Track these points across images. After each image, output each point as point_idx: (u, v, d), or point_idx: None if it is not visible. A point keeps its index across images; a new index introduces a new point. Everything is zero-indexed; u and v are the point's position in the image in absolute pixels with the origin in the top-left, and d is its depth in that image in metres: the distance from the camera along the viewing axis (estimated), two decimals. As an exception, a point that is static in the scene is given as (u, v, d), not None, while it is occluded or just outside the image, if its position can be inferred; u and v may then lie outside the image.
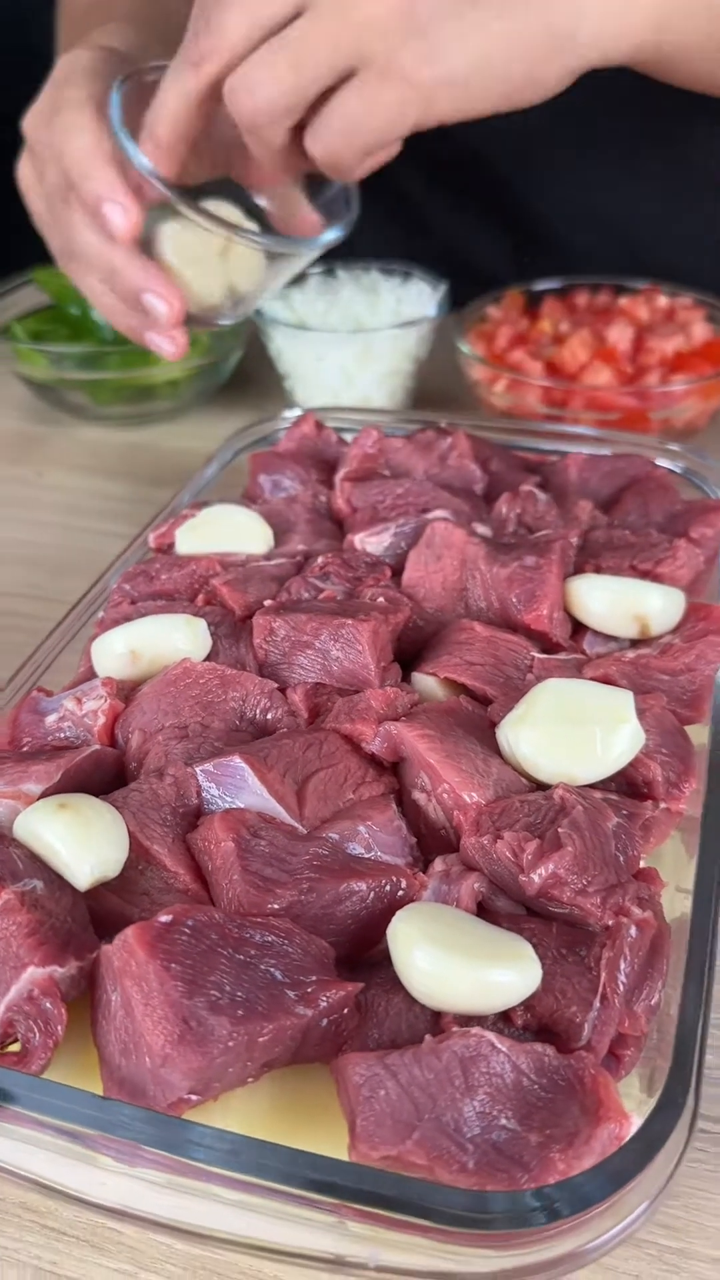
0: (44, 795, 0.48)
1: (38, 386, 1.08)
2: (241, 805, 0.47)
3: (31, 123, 0.81)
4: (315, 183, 0.83)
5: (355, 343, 0.95)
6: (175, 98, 0.71)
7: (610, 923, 0.43)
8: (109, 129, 0.74)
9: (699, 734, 0.55)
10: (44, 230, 0.84)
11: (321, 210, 0.84)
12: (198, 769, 0.48)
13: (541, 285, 1.05)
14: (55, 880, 0.44)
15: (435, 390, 1.06)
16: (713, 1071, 0.49)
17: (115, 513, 0.95)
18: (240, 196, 0.84)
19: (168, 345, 0.80)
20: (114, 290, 0.78)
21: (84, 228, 0.77)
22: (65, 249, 0.81)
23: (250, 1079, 0.40)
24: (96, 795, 0.48)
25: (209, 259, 0.79)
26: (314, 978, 0.41)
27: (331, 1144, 0.37)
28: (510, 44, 0.69)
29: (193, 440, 1.05)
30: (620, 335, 0.94)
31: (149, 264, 0.76)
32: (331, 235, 0.81)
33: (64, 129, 0.75)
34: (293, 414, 0.82)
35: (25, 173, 0.84)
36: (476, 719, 0.53)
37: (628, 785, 0.51)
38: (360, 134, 0.70)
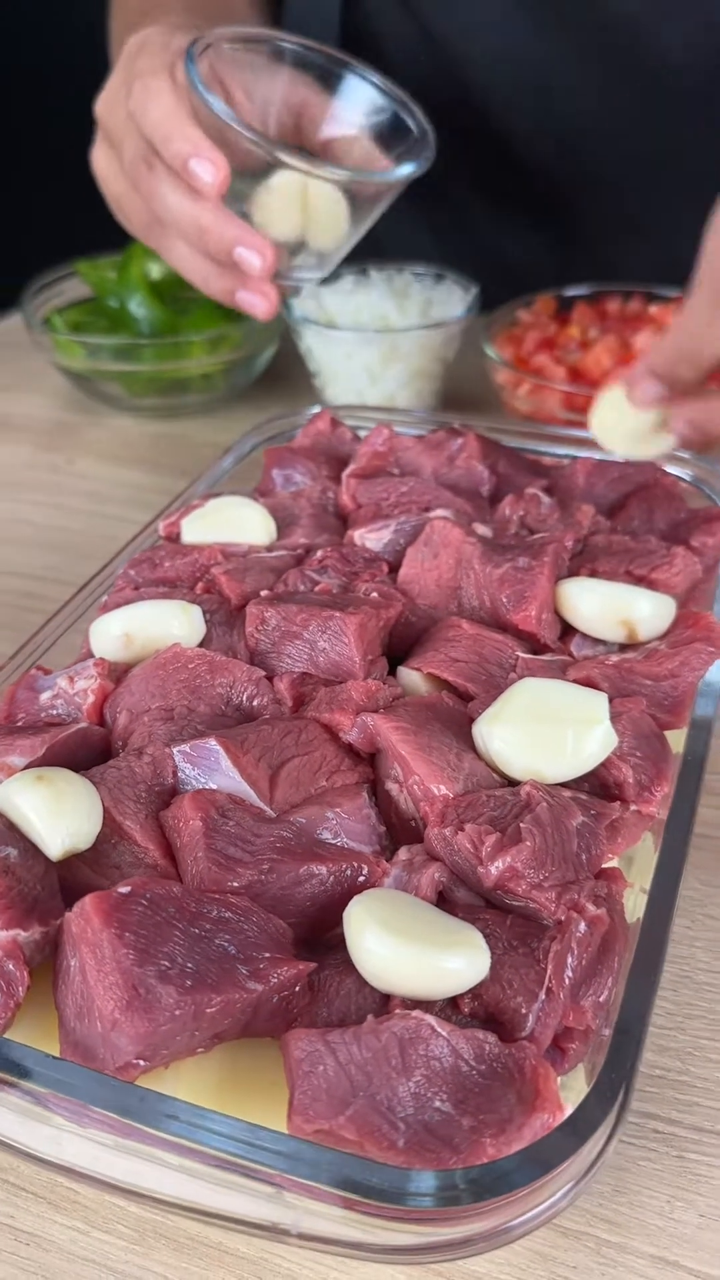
0: (28, 768, 0.50)
1: (75, 376, 1.10)
2: (214, 786, 0.49)
3: (105, 104, 0.83)
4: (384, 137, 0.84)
5: (381, 342, 0.97)
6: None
7: (563, 917, 0.44)
8: (187, 90, 0.75)
9: (679, 740, 0.55)
10: (123, 210, 0.85)
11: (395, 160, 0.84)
12: (175, 749, 0.50)
13: (573, 291, 1.05)
14: (30, 849, 0.46)
15: (463, 392, 1.06)
16: (670, 1074, 0.50)
17: (140, 501, 0.97)
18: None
19: (261, 302, 0.80)
20: (204, 249, 0.79)
21: (169, 191, 0.77)
22: (148, 220, 0.82)
23: (201, 1049, 0.42)
24: (82, 771, 0.50)
25: (291, 218, 0.80)
26: (267, 955, 0.42)
27: (277, 1117, 0.39)
28: None
29: (223, 434, 1.07)
30: (647, 343, 0.94)
31: (237, 218, 0.77)
32: (410, 168, 0.80)
33: (142, 96, 0.76)
34: (312, 410, 0.83)
35: (100, 156, 0.85)
36: (456, 715, 0.54)
37: (599, 786, 0.51)
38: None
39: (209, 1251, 0.44)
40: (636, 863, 0.51)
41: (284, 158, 0.74)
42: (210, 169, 0.74)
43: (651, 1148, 0.47)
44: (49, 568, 0.89)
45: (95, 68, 0.87)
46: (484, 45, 1.09)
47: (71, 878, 0.47)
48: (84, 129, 0.88)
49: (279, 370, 1.15)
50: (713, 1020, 0.52)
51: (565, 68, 1.06)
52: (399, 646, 0.61)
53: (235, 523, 0.67)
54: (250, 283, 0.79)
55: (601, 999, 0.43)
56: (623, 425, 0.67)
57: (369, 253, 1.08)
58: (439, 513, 0.66)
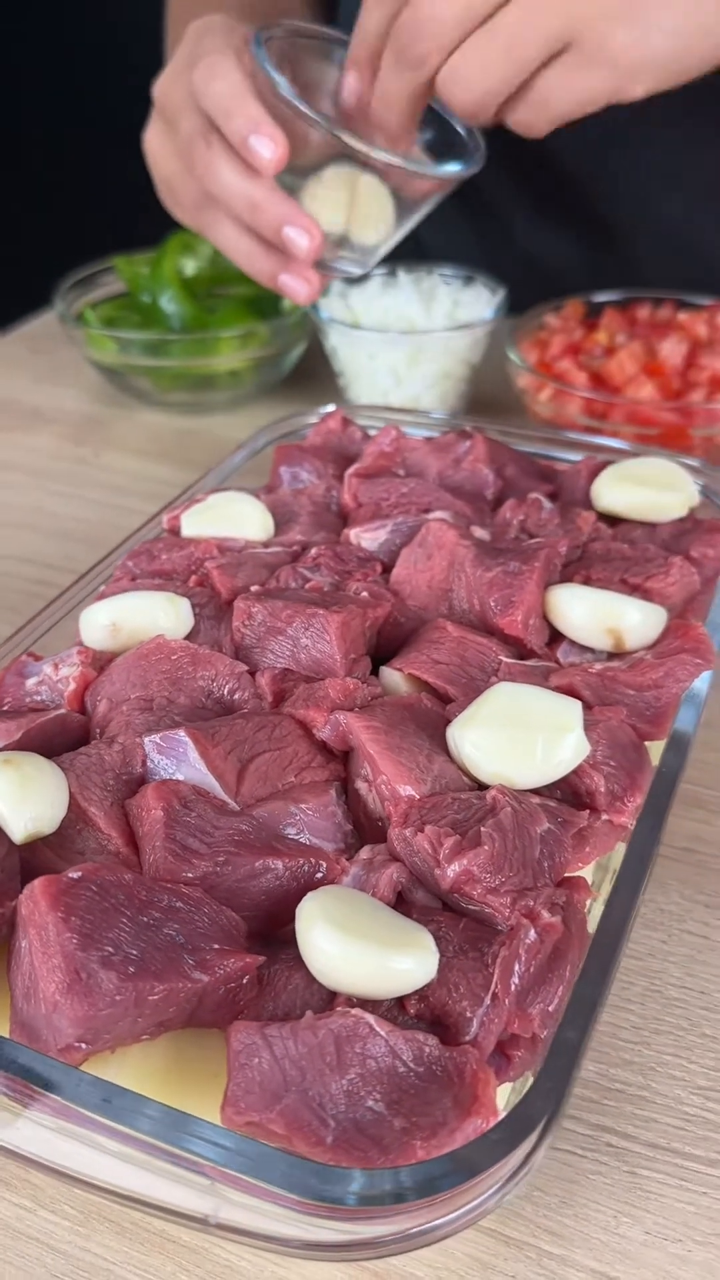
0: (1, 751, 0.50)
1: (106, 371, 1.12)
2: (181, 777, 0.49)
3: (164, 84, 0.85)
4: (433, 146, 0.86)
5: (405, 344, 0.97)
6: (401, 97, 0.75)
7: (515, 923, 0.43)
8: (252, 72, 0.77)
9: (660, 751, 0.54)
10: (173, 190, 0.87)
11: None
12: (146, 739, 0.50)
13: (603, 296, 1.04)
14: (-6, 830, 0.47)
15: (489, 396, 1.06)
16: (630, 1089, 0.49)
17: (160, 495, 0.98)
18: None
19: (303, 286, 0.82)
20: (255, 225, 0.81)
21: (224, 167, 0.79)
22: (198, 200, 0.84)
23: (146, 1036, 0.42)
24: (56, 757, 0.50)
25: (339, 210, 0.82)
26: (215, 946, 0.42)
27: (217, 1107, 0.39)
28: (707, 28, 0.72)
29: (248, 431, 1.07)
30: (672, 350, 0.93)
31: (289, 197, 0.79)
32: (458, 167, 0.82)
33: (206, 73, 0.78)
34: (326, 409, 0.84)
35: (153, 135, 0.87)
36: (433, 717, 0.53)
37: (571, 794, 0.51)
38: (557, 109, 0.74)
39: (150, 1238, 0.44)
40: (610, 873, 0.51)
41: (345, 138, 0.75)
42: (270, 145, 0.75)
43: (603, 1161, 0.46)
44: (65, 557, 0.90)
45: (132, 74, 0.90)
46: None
47: (36, 861, 0.47)
48: (129, 131, 0.90)
49: (307, 369, 1.16)
50: (679, 1036, 0.51)
51: None
52: (388, 647, 0.61)
53: (234, 518, 0.67)
54: (294, 266, 0.81)
55: (551, 1008, 0.43)
56: None
57: (409, 254, 1.09)
58: (436, 514, 0.66)
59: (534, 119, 0.75)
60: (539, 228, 1.21)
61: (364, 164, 0.78)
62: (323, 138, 0.76)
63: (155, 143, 0.87)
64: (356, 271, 0.88)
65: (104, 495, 0.99)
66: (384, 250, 0.88)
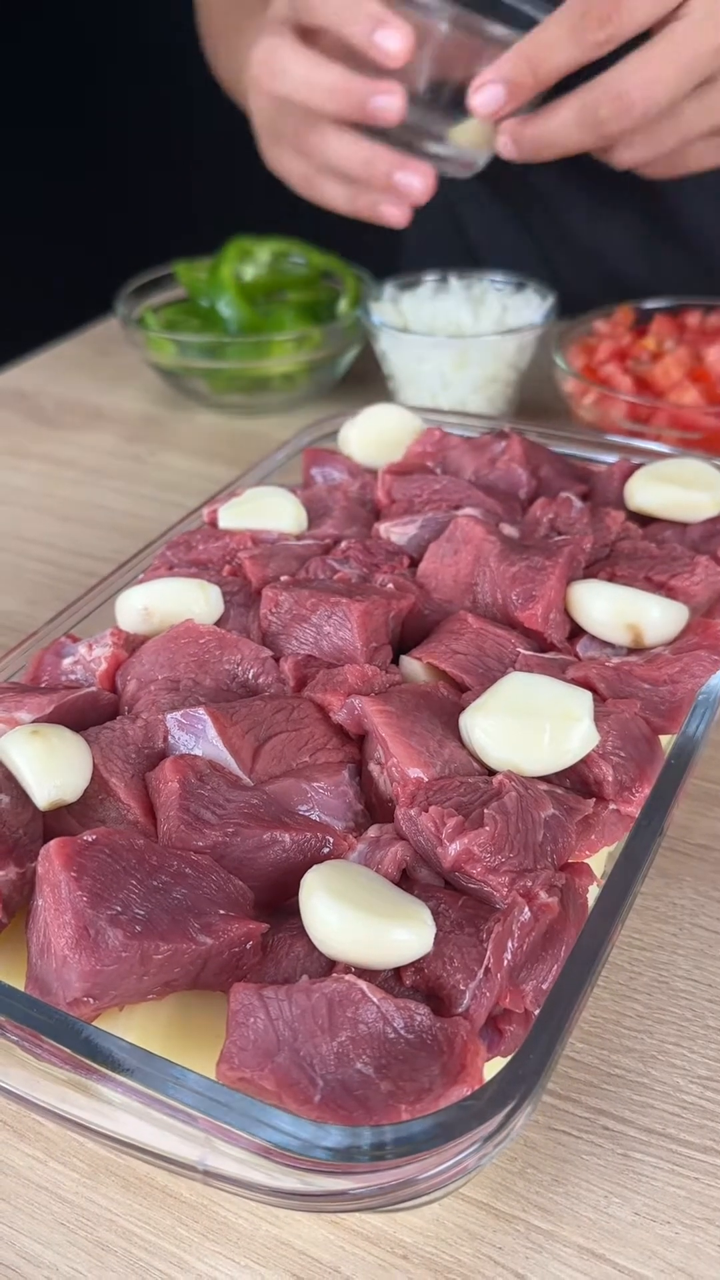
0: (34, 724, 0.53)
1: (165, 373, 1.15)
2: (199, 753, 0.51)
3: (256, 107, 0.92)
4: None
5: (453, 348, 0.98)
6: (566, 55, 0.77)
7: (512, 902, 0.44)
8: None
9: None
10: (288, 158, 0.95)
11: None
12: (168, 716, 0.52)
13: (653, 303, 1.04)
14: (21, 797, 0.49)
15: (536, 400, 1.07)
16: (631, 1074, 0.50)
17: (210, 493, 1.00)
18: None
19: (418, 180, 0.86)
20: (371, 179, 0.87)
21: (333, 139, 0.87)
22: (308, 174, 0.93)
23: (152, 995, 0.44)
24: (84, 731, 0.53)
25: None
26: (221, 912, 0.44)
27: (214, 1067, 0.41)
28: None
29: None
30: (719, 357, 0.93)
31: (395, 151, 0.84)
32: None
33: (269, 58, 0.86)
34: (369, 410, 0.85)
35: (268, 151, 0.95)
36: (448, 704, 0.55)
37: (580, 783, 0.52)
38: (690, 133, 0.80)
39: (154, 1192, 0.46)
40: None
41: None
42: (395, 36, 0.79)
43: (598, 1143, 0.47)
44: (117, 550, 0.93)
45: (197, 84, 0.96)
46: None
47: (59, 827, 0.50)
48: (195, 141, 0.95)
49: (360, 373, 1.18)
50: (682, 1026, 0.51)
51: None
52: (412, 638, 0.62)
53: (268, 511, 0.69)
54: (408, 164, 0.85)
55: (545, 985, 0.44)
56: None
57: (461, 260, 1.10)
58: (466, 511, 0.67)
59: (668, 139, 0.81)
60: (599, 218, 1.21)
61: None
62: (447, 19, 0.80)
63: (273, 155, 0.95)
64: (465, 174, 0.93)
65: (156, 492, 1.02)
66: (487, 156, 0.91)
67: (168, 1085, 0.38)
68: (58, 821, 0.50)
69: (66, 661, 0.60)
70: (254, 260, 1.17)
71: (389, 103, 0.82)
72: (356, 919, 0.43)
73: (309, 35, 0.88)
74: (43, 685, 0.60)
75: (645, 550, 0.65)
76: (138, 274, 1.21)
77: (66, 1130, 0.47)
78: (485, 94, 0.79)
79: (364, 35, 0.80)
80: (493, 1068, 0.42)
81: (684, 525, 0.69)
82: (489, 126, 0.85)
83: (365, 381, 1.18)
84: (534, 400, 1.07)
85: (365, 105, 0.83)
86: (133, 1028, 0.44)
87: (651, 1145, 0.47)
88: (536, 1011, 0.43)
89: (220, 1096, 0.38)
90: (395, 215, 0.91)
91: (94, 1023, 0.43)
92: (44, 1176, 0.47)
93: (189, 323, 1.16)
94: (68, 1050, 0.39)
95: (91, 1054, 0.39)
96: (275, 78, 0.87)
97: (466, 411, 0.97)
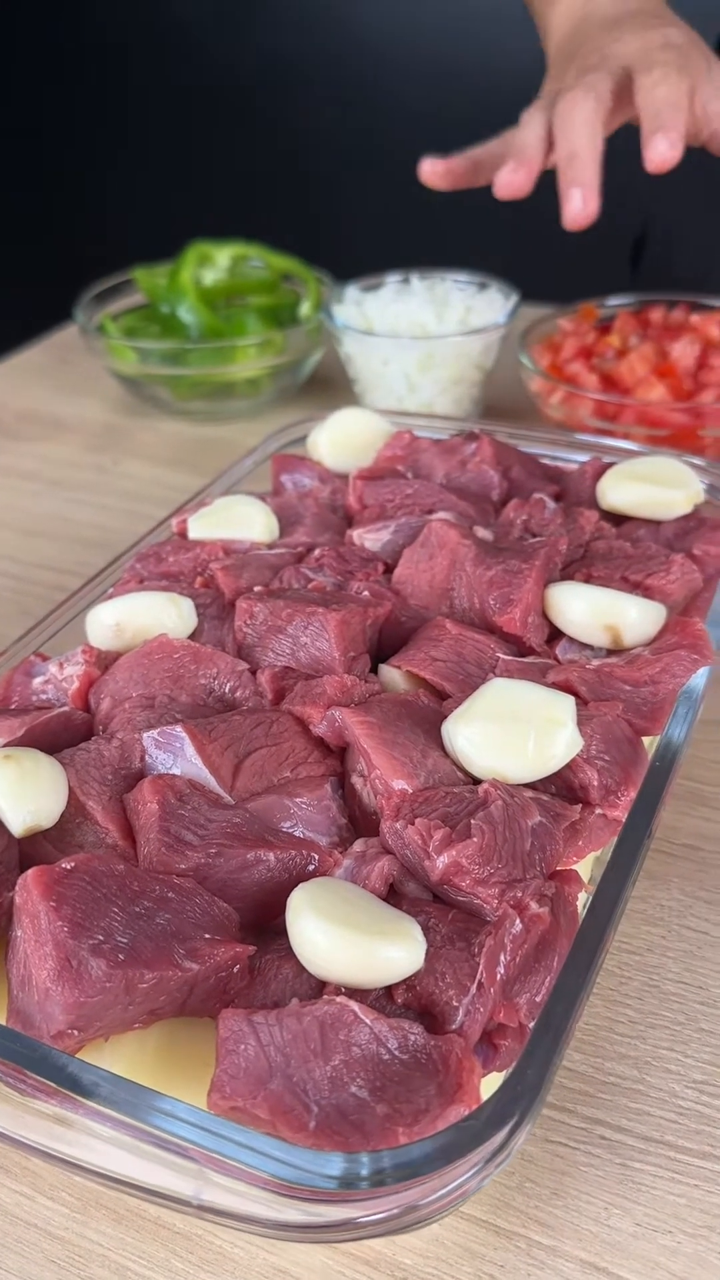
0: (4, 747, 0.51)
1: (126, 380, 1.13)
2: (178, 772, 0.50)
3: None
4: None
5: (418, 349, 0.97)
6: None
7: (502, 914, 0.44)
8: None
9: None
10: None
11: None
12: (145, 735, 0.51)
13: (616, 300, 1.04)
14: (-5, 824, 0.48)
15: (503, 400, 1.07)
16: (626, 1082, 0.49)
17: (177, 502, 0.99)
18: None
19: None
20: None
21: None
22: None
23: (138, 1025, 0.43)
24: (58, 754, 0.52)
25: None
26: (206, 935, 0.43)
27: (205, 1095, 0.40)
28: None
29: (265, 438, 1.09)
30: (684, 352, 0.93)
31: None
32: None
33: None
34: (336, 414, 0.84)
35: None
36: (427, 713, 0.54)
37: (565, 788, 0.51)
38: None
39: (146, 1224, 0.45)
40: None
41: None
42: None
43: (595, 1154, 0.47)
44: (82, 563, 0.92)
45: (148, 85, 0.92)
46: None
47: (35, 854, 0.48)
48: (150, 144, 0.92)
49: (323, 377, 1.17)
50: (675, 1031, 0.51)
51: None
52: (389, 646, 0.61)
53: (239, 520, 0.68)
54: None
55: (538, 998, 0.43)
56: None
57: (426, 260, 1.10)
58: (439, 515, 0.67)
59: None
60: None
61: None
62: None
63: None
64: None
65: (122, 503, 1.01)
66: None
67: (157, 1117, 0.37)
68: (34, 848, 0.48)
69: (37, 681, 0.59)
70: (213, 265, 1.16)
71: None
72: (345, 938, 0.42)
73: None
74: (13, 707, 0.58)
75: (620, 550, 0.65)
76: (95, 281, 1.19)
77: (54, 1167, 0.46)
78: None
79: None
80: (489, 1083, 0.42)
81: (657, 523, 0.69)
82: None
83: (329, 385, 1.17)
84: (500, 400, 1.06)
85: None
86: (119, 1058, 0.43)
87: (650, 1154, 0.46)
88: (531, 1025, 0.43)
89: (213, 1127, 0.37)
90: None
91: (79, 1054, 0.42)
92: (32, 1213, 0.46)
93: (149, 329, 1.15)
94: (52, 1084, 0.38)
95: (76, 1088, 0.38)
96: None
97: (435, 414, 0.97)
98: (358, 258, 1.41)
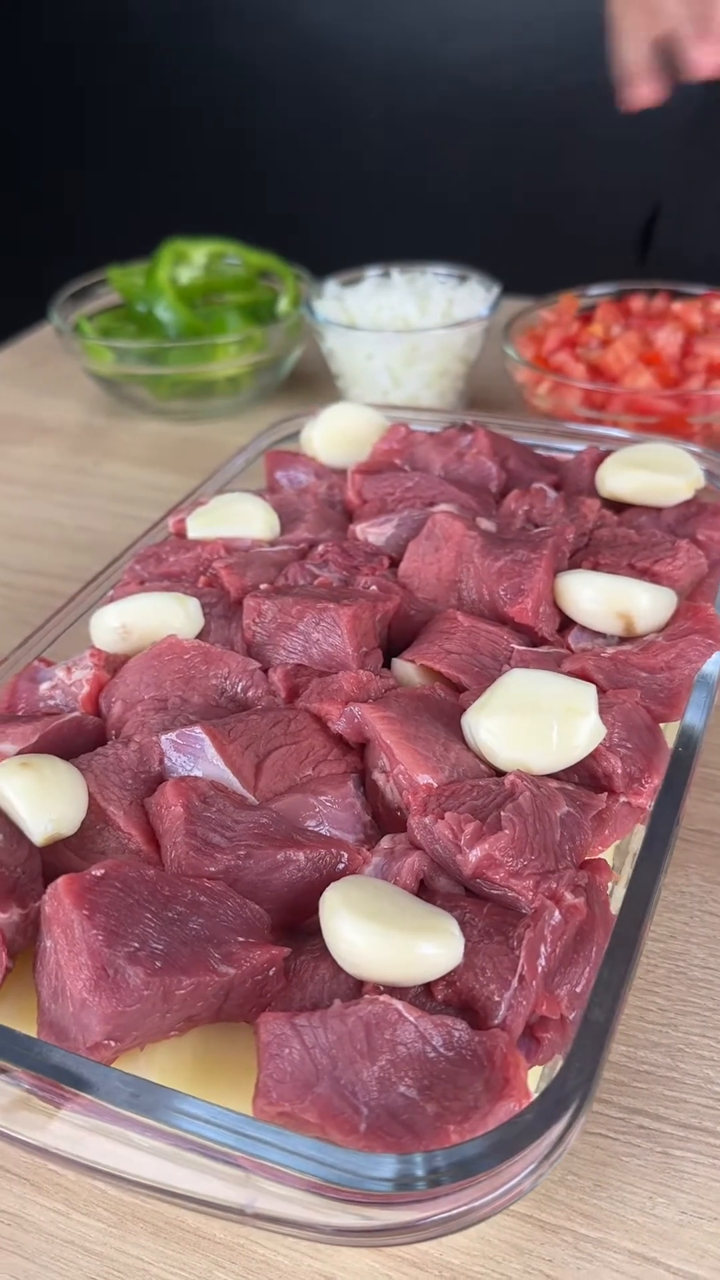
0: (19, 755, 0.50)
1: (104, 381, 1.12)
2: (199, 774, 0.49)
3: None
4: None
5: (402, 343, 0.97)
6: None
7: (539, 905, 0.43)
8: None
9: (675, 732, 0.54)
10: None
11: None
12: (163, 737, 0.50)
13: (597, 290, 1.04)
14: (14, 834, 0.47)
15: (487, 392, 1.06)
16: (659, 1070, 0.49)
17: (164, 503, 0.97)
18: None
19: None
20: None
21: None
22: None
23: (174, 1032, 0.42)
24: (73, 759, 0.51)
25: None
26: (240, 939, 0.42)
27: (247, 1100, 0.39)
28: None
29: (249, 436, 1.07)
30: (669, 339, 0.93)
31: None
32: None
33: None
34: (325, 410, 0.84)
35: None
36: (447, 706, 0.53)
37: (589, 777, 0.51)
38: None
39: (186, 1235, 0.44)
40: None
41: None
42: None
43: (635, 1143, 0.46)
44: (73, 567, 0.90)
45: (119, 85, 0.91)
46: None
47: (57, 862, 0.47)
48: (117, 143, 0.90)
49: (304, 373, 1.16)
50: (706, 1017, 0.51)
51: None
52: (399, 640, 0.61)
53: (239, 518, 0.67)
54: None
55: (578, 989, 0.43)
56: None
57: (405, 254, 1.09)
58: (442, 507, 0.66)
59: None
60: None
61: None
62: None
63: None
64: None
65: (108, 504, 0.99)
66: None
67: (204, 1126, 0.36)
68: (55, 856, 0.47)
69: (44, 687, 0.57)
70: (189, 263, 1.15)
71: None
72: (383, 936, 0.41)
73: None
74: (20, 714, 0.57)
75: (625, 537, 0.65)
76: (69, 281, 1.18)
77: (97, 1181, 0.45)
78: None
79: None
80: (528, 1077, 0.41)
81: (658, 510, 0.69)
82: None
83: (310, 381, 1.16)
84: (485, 392, 1.06)
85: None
86: (155, 1068, 0.42)
87: (690, 1140, 0.46)
88: (572, 1016, 0.42)
89: (261, 1134, 0.36)
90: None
91: (114, 1064, 0.41)
92: (68, 1230, 0.45)
93: (125, 329, 1.14)
94: (93, 1098, 0.37)
95: (120, 1100, 0.37)
96: None
97: (424, 406, 0.96)
98: (331, 253, 1.40)
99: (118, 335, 1.12)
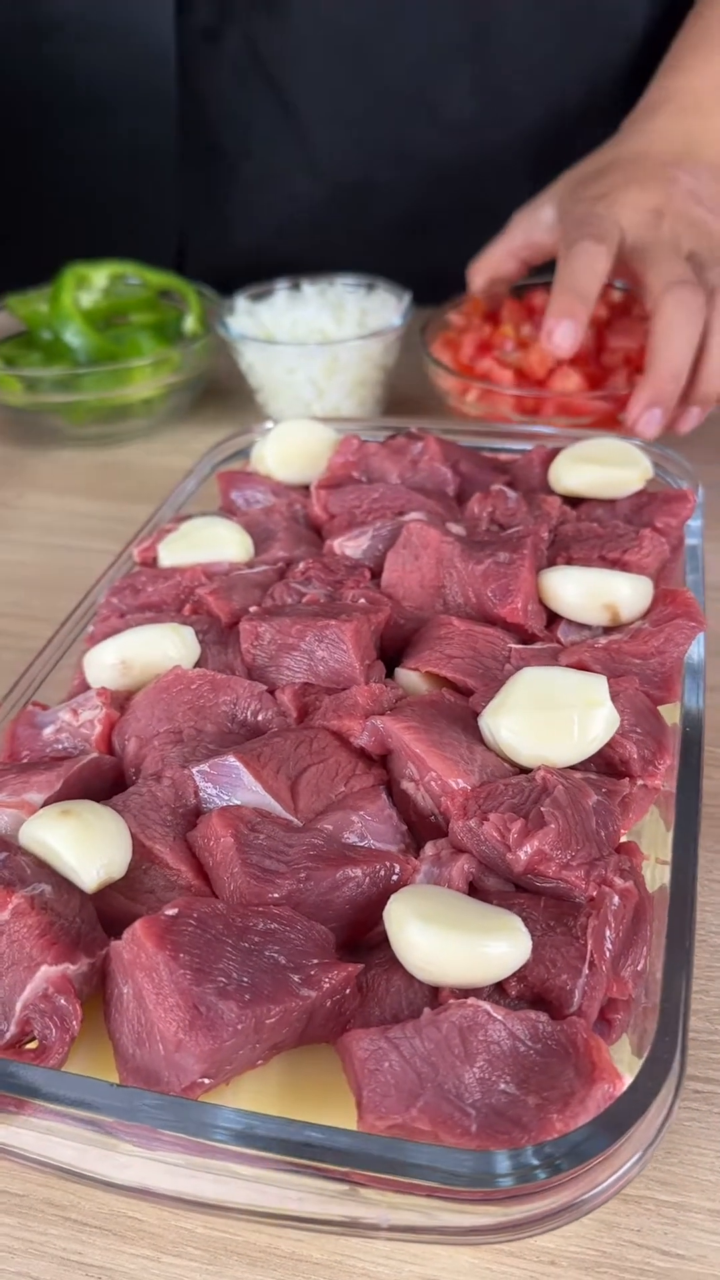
0: (46, 803, 0.50)
1: (15, 411, 1.09)
2: (238, 802, 0.49)
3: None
4: None
5: (322, 355, 0.98)
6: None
7: (594, 894, 0.45)
8: None
9: (672, 713, 0.57)
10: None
11: None
12: (194, 770, 0.50)
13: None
14: (62, 884, 0.46)
15: (406, 397, 1.08)
16: (702, 1035, 0.51)
17: (94, 530, 0.97)
18: None
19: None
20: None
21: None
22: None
23: (260, 1061, 0.42)
24: (97, 801, 0.50)
25: None
26: (316, 961, 0.43)
27: (338, 1120, 0.39)
28: None
29: (169, 456, 1.07)
30: (585, 337, 0.96)
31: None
32: None
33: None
34: (265, 426, 0.84)
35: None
36: (459, 710, 0.55)
37: (605, 765, 0.53)
38: None
39: (283, 1261, 0.45)
40: (645, 835, 0.53)
41: None
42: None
43: (694, 1107, 0.49)
44: (11, 603, 0.88)
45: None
46: None
47: (107, 907, 0.47)
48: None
49: (216, 389, 1.16)
50: (733, 980, 0.54)
51: None
52: (389, 649, 0.62)
53: (212, 542, 0.67)
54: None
55: (640, 968, 0.45)
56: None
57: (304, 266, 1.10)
58: (413, 516, 0.68)
59: None
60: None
61: None
62: None
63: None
64: None
65: (38, 537, 0.97)
66: None
67: (325, 1154, 0.37)
68: (104, 902, 0.47)
69: (47, 731, 0.56)
70: (90, 286, 1.13)
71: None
72: (454, 940, 0.43)
73: None
74: (26, 760, 0.56)
75: (589, 531, 0.67)
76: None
77: (181, 1221, 0.45)
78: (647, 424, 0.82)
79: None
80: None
81: (612, 502, 0.71)
82: None
83: (223, 397, 1.16)
84: (404, 398, 1.08)
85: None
86: (242, 1099, 0.42)
87: (743, 1098, 0.49)
88: (639, 995, 0.44)
89: (378, 1149, 0.37)
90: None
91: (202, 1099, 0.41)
92: (161, 1274, 0.44)
93: (29, 357, 1.11)
94: (206, 1142, 0.37)
95: (234, 1138, 0.37)
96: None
97: (361, 418, 0.98)
98: (221, 267, 1.40)
99: (22, 364, 1.10)
